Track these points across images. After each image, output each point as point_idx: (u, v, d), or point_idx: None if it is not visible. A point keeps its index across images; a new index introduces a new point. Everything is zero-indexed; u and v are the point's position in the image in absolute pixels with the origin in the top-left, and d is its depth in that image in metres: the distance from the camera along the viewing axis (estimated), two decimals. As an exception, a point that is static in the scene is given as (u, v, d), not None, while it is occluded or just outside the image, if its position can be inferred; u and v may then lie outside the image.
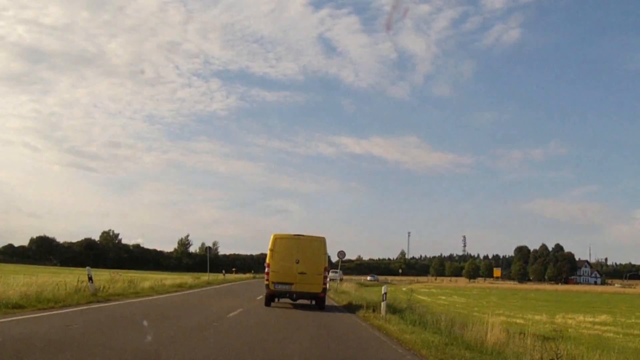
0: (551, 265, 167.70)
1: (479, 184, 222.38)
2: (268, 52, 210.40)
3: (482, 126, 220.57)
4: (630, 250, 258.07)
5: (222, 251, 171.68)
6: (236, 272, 71.55)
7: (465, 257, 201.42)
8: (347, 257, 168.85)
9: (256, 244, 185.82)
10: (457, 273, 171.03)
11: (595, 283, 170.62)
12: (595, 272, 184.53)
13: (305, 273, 20.15)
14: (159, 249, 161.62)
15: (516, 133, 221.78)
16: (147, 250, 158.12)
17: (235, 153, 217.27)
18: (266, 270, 20.65)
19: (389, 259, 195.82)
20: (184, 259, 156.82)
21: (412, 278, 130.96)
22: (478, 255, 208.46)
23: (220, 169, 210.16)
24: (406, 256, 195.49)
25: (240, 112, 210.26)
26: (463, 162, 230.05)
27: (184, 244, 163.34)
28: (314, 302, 21.67)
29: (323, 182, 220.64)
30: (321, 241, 20.88)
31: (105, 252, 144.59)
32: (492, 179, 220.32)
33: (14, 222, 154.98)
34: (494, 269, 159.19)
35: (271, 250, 20.55)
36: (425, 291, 63.91)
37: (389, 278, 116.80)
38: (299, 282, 20.17)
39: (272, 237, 20.83)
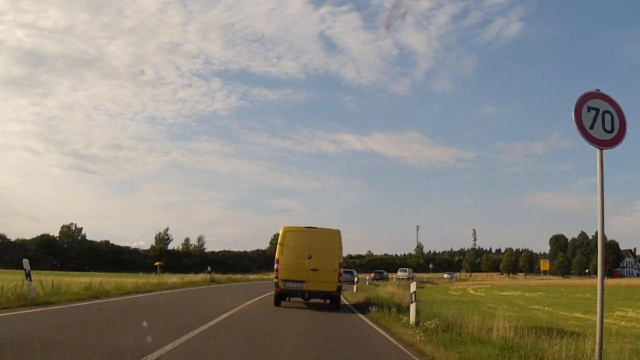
0: (595, 256, 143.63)
1: (481, 178, 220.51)
2: (269, 51, 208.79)
3: (483, 120, 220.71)
4: (633, 240, 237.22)
5: (211, 248, 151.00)
6: (162, 269, 40.90)
7: (476, 252, 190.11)
8: (357, 253, 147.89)
9: (252, 242, 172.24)
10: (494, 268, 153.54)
11: (638, 275, 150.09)
12: (638, 263, 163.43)
13: (318, 270, 18.16)
14: (132, 247, 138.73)
15: (517, 127, 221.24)
16: (119, 247, 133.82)
17: (237, 152, 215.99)
18: (275, 266, 18.42)
19: (404, 254, 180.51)
20: (162, 258, 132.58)
21: (442, 275, 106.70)
22: (490, 248, 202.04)
23: (222, 169, 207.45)
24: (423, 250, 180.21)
25: (241, 112, 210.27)
26: (464, 157, 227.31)
27: (163, 239, 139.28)
28: (328, 302, 19.59)
29: (325, 180, 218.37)
30: (336, 234, 18.89)
31: (66, 250, 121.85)
32: (494, 172, 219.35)
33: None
34: (541, 261, 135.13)
35: (280, 244, 18.47)
36: (509, 295, 40.33)
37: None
38: (311, 280, 18.15)
39: (281, 229, 18.83)
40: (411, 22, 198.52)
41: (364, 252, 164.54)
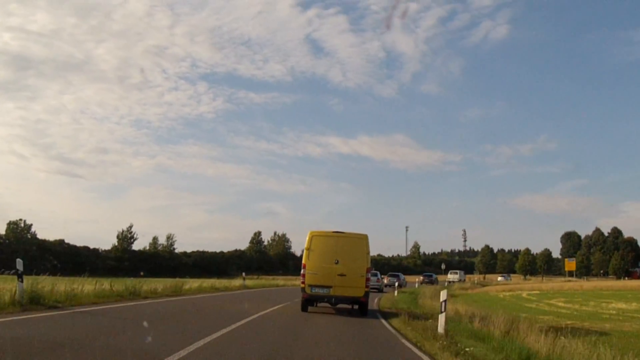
0: (616, 255, 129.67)
1: (468, 180, 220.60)
2: (255, 53, 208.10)
3: (470, 123, 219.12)
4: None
5: (184, 249, 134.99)
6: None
7: (467, 253, 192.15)
8: None
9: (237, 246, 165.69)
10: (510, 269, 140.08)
11: None
12: None
13: (345, 275, 17.42)
14: (92, 247, 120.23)
15: (505, 129, 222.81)
16: (75, 248, 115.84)
17: (223, 156, 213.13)
18: (302, 272, 17.88)
19: (398, 255, 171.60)
20: (125, 259, 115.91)
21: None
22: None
23: (208, 172, 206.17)
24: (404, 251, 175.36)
25: (227, 115, 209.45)
26: (451, 160, 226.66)
27: (126, 238, 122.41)
28: (356, 307, 18.83)
29: (311, 183, 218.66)
30: (363, 239, 18.06)
31: (14, 251, 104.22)
32: (481, 175, 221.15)
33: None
34: (566, 260, 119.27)
35: (307, 249, 17.88)
36: (625, 308, 28.53)
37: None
38: (338, 285, 17.48)
39: (308, 234, 18.09)
40: (398, 24, 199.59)
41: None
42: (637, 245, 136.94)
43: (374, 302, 25.49)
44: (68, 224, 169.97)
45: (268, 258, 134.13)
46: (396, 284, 41.98)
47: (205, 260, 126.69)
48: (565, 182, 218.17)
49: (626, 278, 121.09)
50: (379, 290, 40.89)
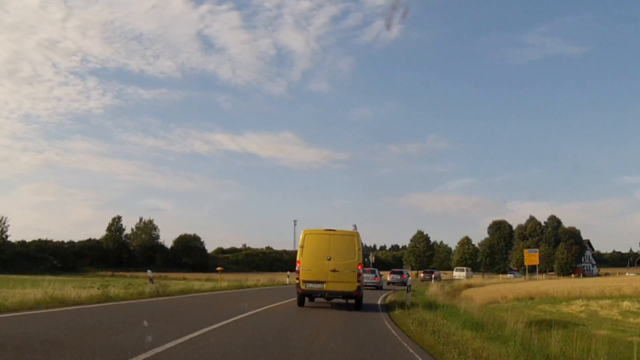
0: (561, 247, 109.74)
1: (357, 178, 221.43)
2: (146, 49, 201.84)
3: (359, 122, 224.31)
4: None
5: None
6: None
7: (363, 249, 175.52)
8: (230, 246, 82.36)
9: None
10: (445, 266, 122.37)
11: (593, 273, 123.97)
12: (592, 257, 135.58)
13: (337, 271, 18.60)
14: None
15: (394, 128, 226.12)
16: None
17: (110, 152, 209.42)
18: (296, 268, 19.17)
19: (294, 249, 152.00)
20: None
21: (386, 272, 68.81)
22: (375, 246, 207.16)
23: (95, 168, 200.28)
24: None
25: (116, 111, 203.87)
26: (339, 158, 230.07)
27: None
28: (352, 302, 20.09)
29: (198, 180, 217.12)
30: (354, 236, 19.44)
31: None
32: (369, 173, 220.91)
33: None
34: (526, 252, 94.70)
35: (301, 247, 19.10)
36: None
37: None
38: (331, 281, 18.66)
39: (302, 233, 19.46)
40: (290, 22, 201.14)
41: (238, 246, 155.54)
42: (581, 237, 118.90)
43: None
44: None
45: (130, 250, 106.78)
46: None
47: (48, 252, 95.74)
48: (453, 181, 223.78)
49: (572, 275, 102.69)
50: (377, 287, 40.08)
